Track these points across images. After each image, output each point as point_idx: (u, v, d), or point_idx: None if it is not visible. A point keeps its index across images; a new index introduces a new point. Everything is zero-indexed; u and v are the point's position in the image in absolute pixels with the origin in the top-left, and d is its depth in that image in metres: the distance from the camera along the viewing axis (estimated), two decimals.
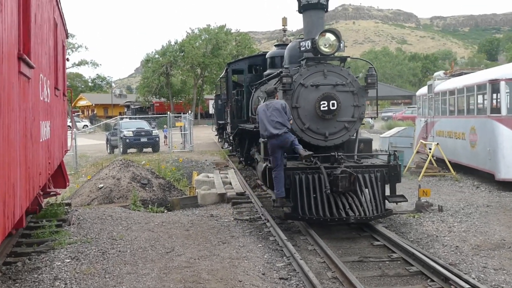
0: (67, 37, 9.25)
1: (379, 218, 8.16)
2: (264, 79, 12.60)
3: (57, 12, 7.68)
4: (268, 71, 12.91)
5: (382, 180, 8.35)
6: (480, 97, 13.62)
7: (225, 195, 11.55)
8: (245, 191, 11.97)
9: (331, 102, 8.71)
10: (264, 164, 8.80)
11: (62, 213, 9.28)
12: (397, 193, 8.57)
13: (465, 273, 5.85)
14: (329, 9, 9.62)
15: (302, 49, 8.95)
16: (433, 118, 17.04)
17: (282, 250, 7.12)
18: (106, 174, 13.19)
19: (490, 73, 13.50)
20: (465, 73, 16.33)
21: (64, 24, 8.30)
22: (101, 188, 12.34)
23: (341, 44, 8.78)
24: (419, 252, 6.53)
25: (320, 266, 6.50)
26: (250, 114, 13.75)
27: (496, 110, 12.57)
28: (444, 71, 17.96)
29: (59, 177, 9.28)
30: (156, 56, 64.58)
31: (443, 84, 16.52)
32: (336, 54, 8.97)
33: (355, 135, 9.17)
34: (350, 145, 9.23)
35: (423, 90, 18.97)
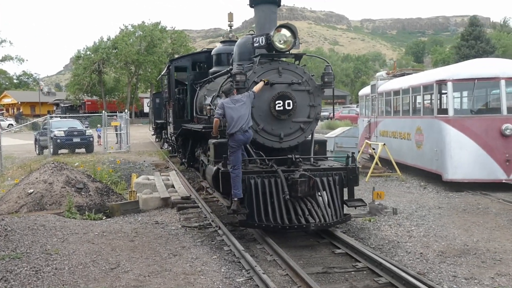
0: None
1: (339, 224, 7.77)
2: (210, 77, 11.97)
3: None
4: (214, 69, 12.29)
5: (341, 183, 7.98)
6: (426, 98, 13.68)
7: (169, 199, 10.84)
8: (190, 195, 11.29)
9: (287, 101, 8.23)
10: (215, 167, 8.18)
11: None
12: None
13: (437, 284, 5.55)
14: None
15: (255, 45, 8.39)
16: (376, 118, 17.05)
17: (239, 262, 6.54)
18: (37, 178, 12.00)
19: (437, 73, 13.55)
20: (407, 74, 16.47)
21: None
22: (31, 193, 11.20)
23: (297, 41, 8.33)
24: (387, 261, 6.16)
25: (284, 280, 5.97)
26: (194, 114, 13.04)
27: (442, 110, 12.61)
28: (386, 72, 18.06)
29: None
30: (88, 52, 62.07)
31: (387, 84, 16.54)
32: (291, 51, 8.49)
33: (310, 136, 8.75)
34: (305, 146, 8.79)
35: (366, 90, 18.97)
